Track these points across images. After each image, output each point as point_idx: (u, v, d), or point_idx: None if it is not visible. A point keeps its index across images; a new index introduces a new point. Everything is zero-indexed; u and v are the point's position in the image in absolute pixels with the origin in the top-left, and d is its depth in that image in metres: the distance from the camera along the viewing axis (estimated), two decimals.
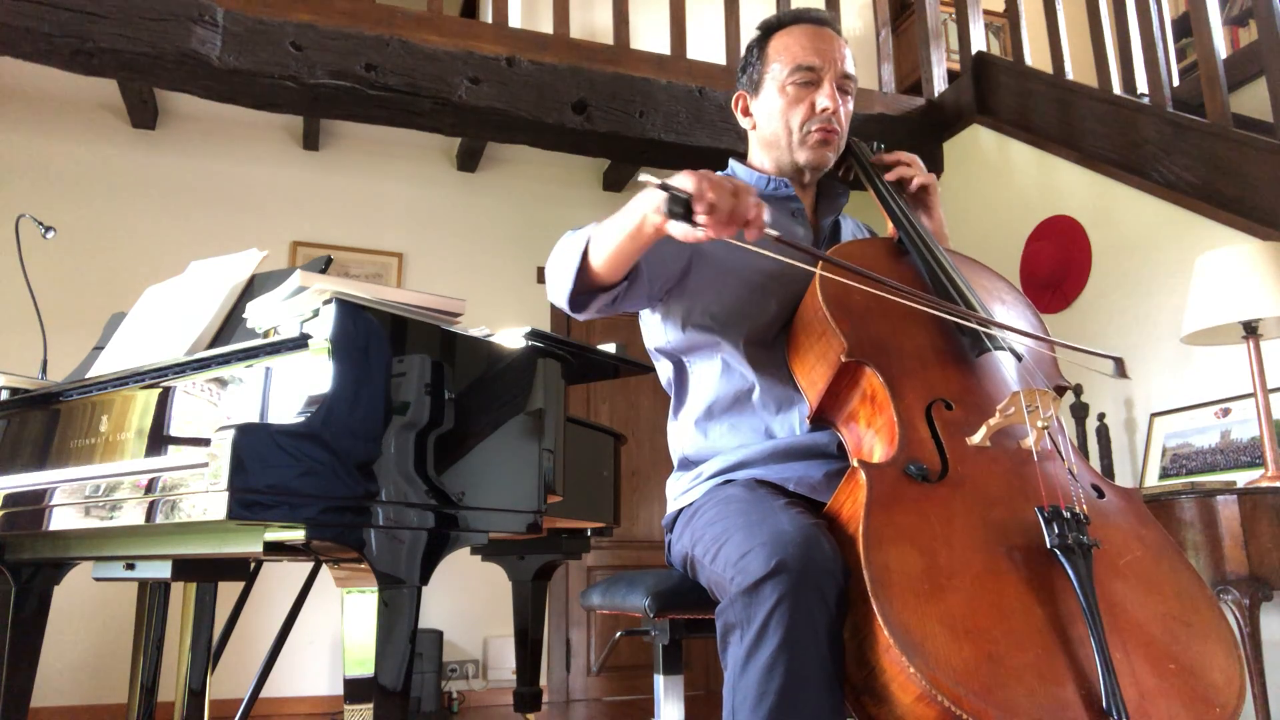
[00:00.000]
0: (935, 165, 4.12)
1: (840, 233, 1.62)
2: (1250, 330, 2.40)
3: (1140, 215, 3.18)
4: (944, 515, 1.10)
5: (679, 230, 1.12)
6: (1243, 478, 2.55)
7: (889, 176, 1.57)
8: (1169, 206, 3.06)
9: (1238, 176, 2.86)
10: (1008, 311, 1.47)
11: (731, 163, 1.63)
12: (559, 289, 1.36)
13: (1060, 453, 1.25)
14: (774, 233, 1.14)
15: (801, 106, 1.49)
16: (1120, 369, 1.25)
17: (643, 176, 1.15)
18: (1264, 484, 2.29)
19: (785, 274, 1.44)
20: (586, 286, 1.34)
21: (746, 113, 1.59)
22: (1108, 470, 3.05)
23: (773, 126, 1.52)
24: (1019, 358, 1.36)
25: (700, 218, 1.09)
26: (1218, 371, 2.85)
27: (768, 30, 1.56)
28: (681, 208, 1.09)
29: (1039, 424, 1.20)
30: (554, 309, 4.62)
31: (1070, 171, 3.49)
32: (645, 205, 1.18)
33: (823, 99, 1.48)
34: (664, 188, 1.11)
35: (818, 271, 1.35)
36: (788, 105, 1.50)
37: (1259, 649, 2.17)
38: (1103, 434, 3.07)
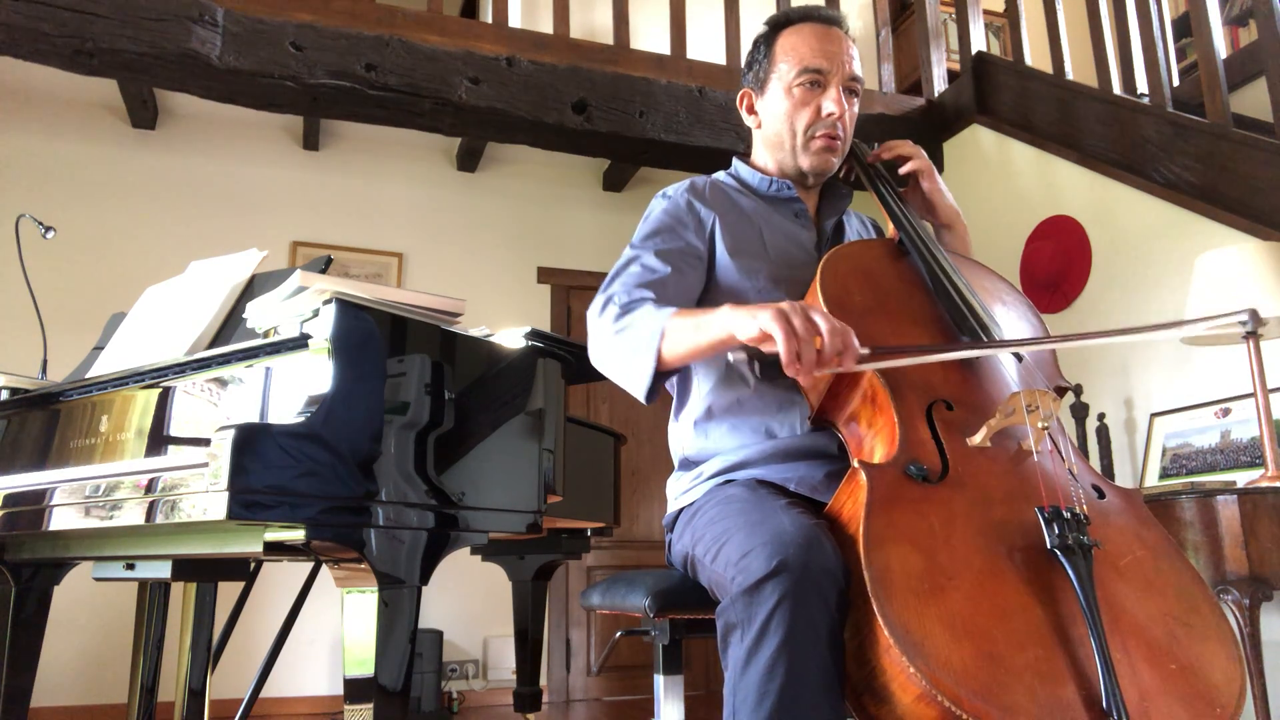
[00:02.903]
0: (935, 165, 4.11)
1: (844, 233, 1.62)
2: (1250, 330, 2.40)
3: (1140, 215, 3.17)
4: (944, 516, 1.10)
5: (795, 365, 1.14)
6: (1243, 478, 2.55)
7: (884, 154, 1.58)
8: (1169, 206, 3.06)
9: (1238, 176, 2.86)
10: (1008, 312, 1.47)
11: (735, 161, 1.63)
12: (635, 382, 1.32)
13: (1060, 453, 1.25)
14: (865, 351, 1.14)
15: (807, 110, 1.48)
16: (1255, 319, 1.20)
17: (764, 315, 1.12)
18: (1264, 484, 2.28)
19: (788, 280, 1.45)
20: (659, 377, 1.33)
21: (751, 111, 1.59)
22: (1108, 470, 3.04)
23: (777, 128, 1.52)
24: (1019, 358, 1.36)
25: (788, 369, 1.11)
26: (1218, 371, 2.85)
27: (775, 27, 1.54)
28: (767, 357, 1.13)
29: (1039, 424, 1.20)
30: (554, 309, 4.63)
31: (1070, 171, 3.49)
32: (740, 328, 1.16)
33: (829, 104, 1.47)
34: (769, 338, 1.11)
35: (818, 272, 1.35)
36: (793, 108, 1.49)
37: (1259, 649, 2.17)
38: (1103, 434, 3.07)
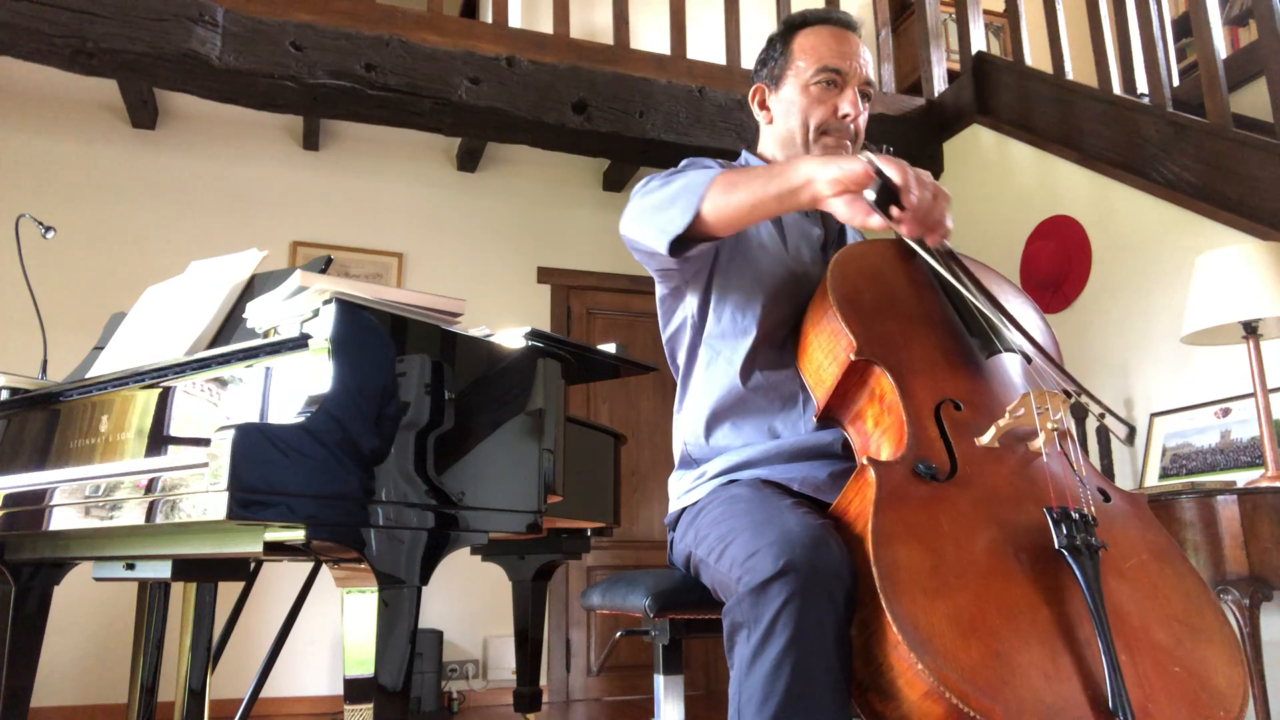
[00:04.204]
0: (935, 165, 4.12)
1: (845, 234, 1.62)
2: (1250, 330, 2.40)
3: (1140, 215, 3.17)
4: (952, 514, 1.10)
5: (860, 214, 1.12)
6: (1243, 478, 2.55)
7: None
8: (1169, 206, 3.06)
9: (1238, 176, 2.85)
10: (1014, 314, 1.47)
11: (745, 154, 1.62)
12: (666, 225, 1.26)
13: (1068, 455, 1.25)
14: (948, 245, 1.14)
15: (823, 108, 1.49)
16: (1130, 438, 1.24)
17: (862, 158, 1.11)
18: (1264, 484, 2.28)
19: (801, 278, 1.45)
20: (691, 233, 1.27)
21: (764, 106, 1.59)
22: (1108, 470, 3.05)
23: (790, 123, 1.52)
24: (1028, 359, 1.36)
25: (897, 210, 1.09)
26: (1218, 371, 2.85)
27: (792, 26, 1.55)
28: (885, 195, 1.08)
29: (1048, 425, 1.20)
30: (554, 309, 4.62)
31: (1070, 171, 3.49)
32: (825, 172, 1.14)
33: (845, 104, 1.48)
34: (877, 172, 1.09)
35: (828, 271, 1.35)
36: (810, 104, 1.49)
37: (1259, 649, 2.17)
38: (1103, 434, 3.07)
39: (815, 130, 1.49)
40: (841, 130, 1.49)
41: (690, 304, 1.48)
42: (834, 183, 1.13)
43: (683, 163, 1.50)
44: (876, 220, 1.12)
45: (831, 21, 1.53)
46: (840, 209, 1.15)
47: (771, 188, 1.19)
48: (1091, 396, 1.23)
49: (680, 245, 1.29)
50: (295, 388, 1.21)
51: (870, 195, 1.10)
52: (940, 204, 1.13)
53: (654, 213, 1.31)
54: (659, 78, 3.64)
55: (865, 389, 1.29)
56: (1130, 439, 1.21)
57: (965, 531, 1.09)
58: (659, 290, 1.54)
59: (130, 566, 1.40)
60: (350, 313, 1.22)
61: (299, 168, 4.40)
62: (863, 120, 1.51)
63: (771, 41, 1.58)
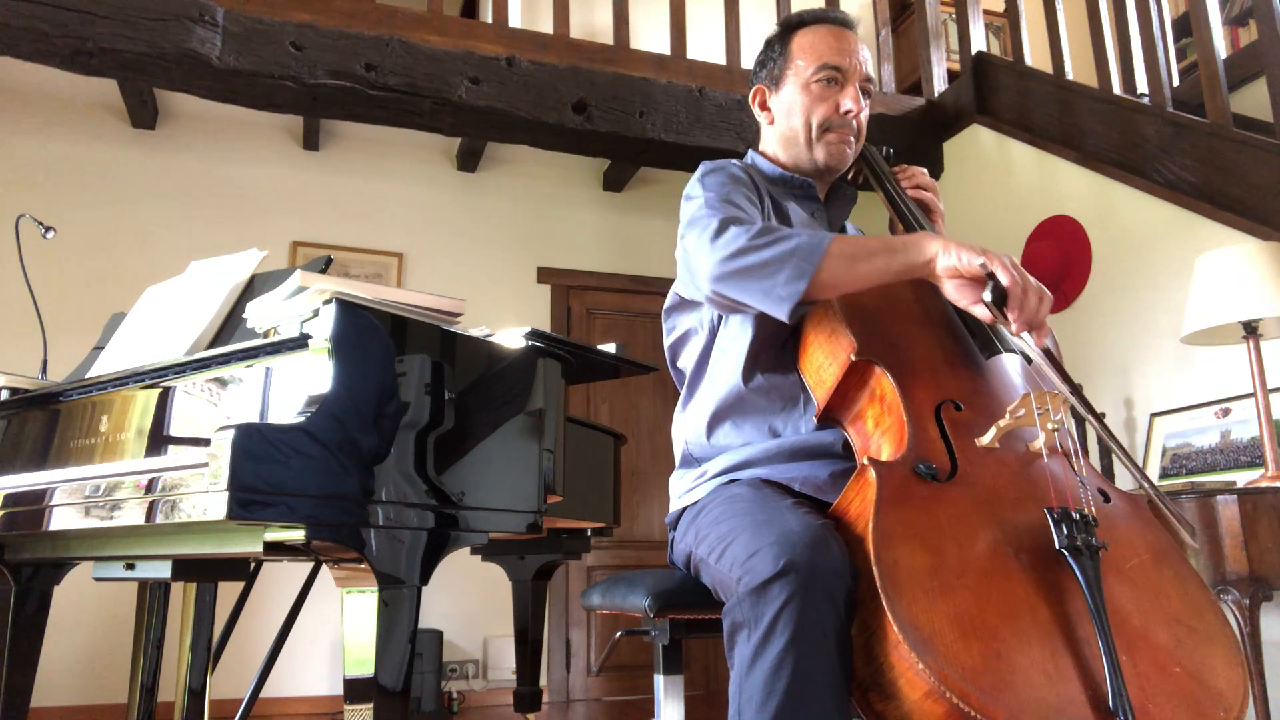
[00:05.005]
0: (935, 165, 4.12)
1: (846, 234, 1.62)
2: (1250, 330, 2.40)
3: (1140, 215, 3.17)
4: (953, 514, 1.10)
5: (967, 299, 1.21)
6: (1243, 478, 2.55)
7: (902, 179, 1.57)
8: (1169, 206, 3.06)
9: (1238, 176, 2.85)
10: None
11: (751, 154, 1.62)
12: (779, 290, 1.22)
13: (1069, 455, 1.25)
14: (1050, 344, 1.24)
15: (824, 105, 1.49)
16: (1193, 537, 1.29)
17: (979, 260, 1.19)
18: (1264, 484, 2.28)
19: None
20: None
21: (764, 107, 1.59)
22: (1107, 470, 3.04)
23: (792, 122, 1.52)
24: (1028, 360, 1.36)
25: (1011, 312, 1.17)
26: (1218, 371, 2.85)
27: (790, 27, 1.56)
28: (999, 297, 1.18)
29: (1049, 426, 1.20)
30: (554, 309, 4.62)
31: (1070, 171, 3.49)
32: (946, 260, 1.20)
33: (847, 100, 1.48)
34: (990, 276, 1.18)
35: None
36: (811, 102, 1.50)
37: (1259, 649, 2.17)
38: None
39: (818, 128, 1.50)
40: (844, 126, 1.49)
41: (707, 312, 1.48)
42: (950, 269, 1.20)
43: (705, 168, 1.47)
44: (983, 311, 1.20)
45: (829, 20, 1.54)
46: (951, 291, 1.22)
47: (896, 264, 1.23)
48: (1087, 405, 1.24)
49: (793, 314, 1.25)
50: (295, 388, 1.21)
51: (987, 296, 1.18)
52: (1045, 308, 1.20)
53: (759, 274, 1.24)
54: (659, 78, 3.64)
55: (865, 389, 1.29)
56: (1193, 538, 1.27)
57: (966, 532, 1.09)
58: (670, 299, 1.54)
59: (130, 566, 1.40)
60: (350, 313, 1.22)
61: (299, 168, 4.40)
62: (864, 117, 1.52)
63: (769, 43, 1.58)
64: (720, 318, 1.47)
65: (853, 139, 1.51)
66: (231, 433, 1.06)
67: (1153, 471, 2.97)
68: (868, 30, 4.52)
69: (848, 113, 1.48)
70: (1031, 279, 1.20)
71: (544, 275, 4.67)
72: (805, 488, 1.32)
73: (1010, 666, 0.97)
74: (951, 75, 4.23)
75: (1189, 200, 2.98)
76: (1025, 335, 1.20)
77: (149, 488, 1.15)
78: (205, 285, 1.66)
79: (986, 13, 4.43)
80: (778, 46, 1.56)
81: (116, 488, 1.20)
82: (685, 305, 1.52)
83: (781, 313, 1.23)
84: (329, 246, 4.28)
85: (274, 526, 1.13)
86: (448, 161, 4.66)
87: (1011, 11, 3.99)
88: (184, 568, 1.34)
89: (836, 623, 1.03)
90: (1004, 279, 1.17)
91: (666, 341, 1.57)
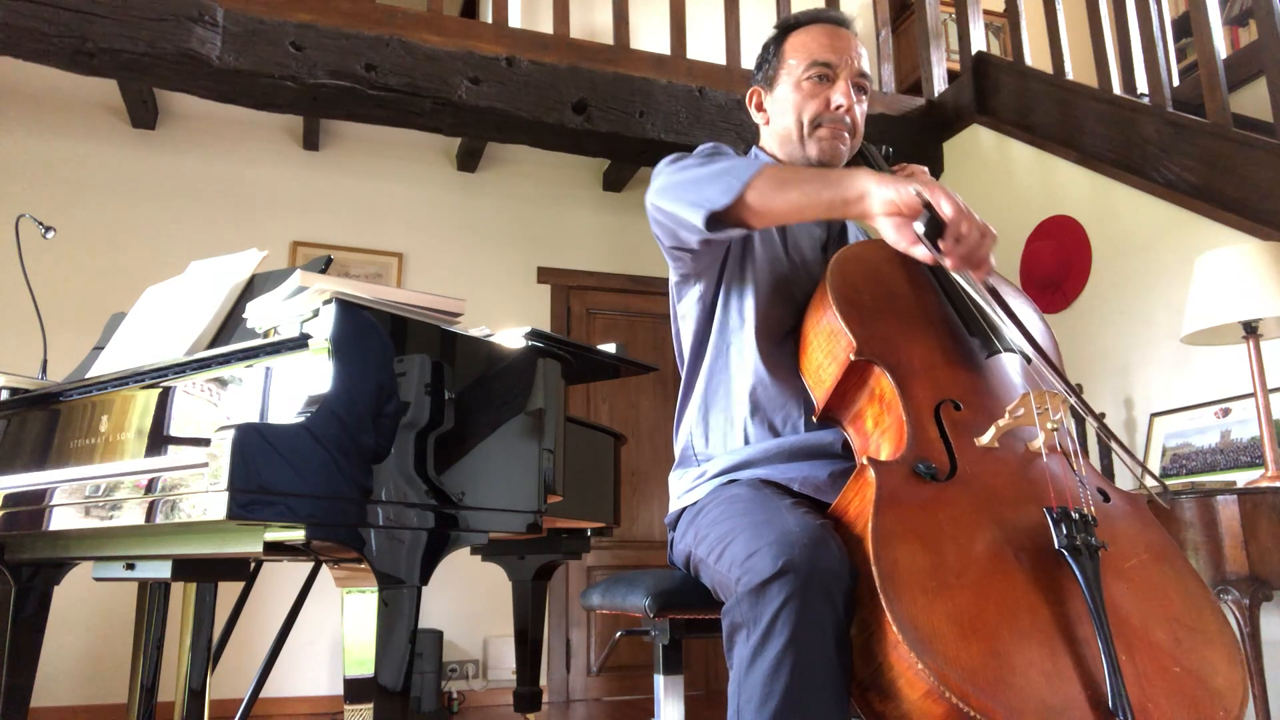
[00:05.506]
0: (935, 165, 4.12)
1: (846, 234, 1.62)
2: (1250, 330, 2.40)
3: (1140, 215, 3.17)
4: (952, 514, 1.10)
5: (906, 240, 1.15)
6: (1243, 478, 2.55)
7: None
8: (1169, 206, 3.06)
9: (1238, 176, 2.86)
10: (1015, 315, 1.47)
11: (755, 150, 1.62)
12: (706, 200, 1.25)
13: (1068, 455, 1.25)
14: (992, 281, 1.17)
15: (816, 101, 1.49)
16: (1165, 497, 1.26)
17: (914, 188, 1.13)
18: (1264, 484, 2.28)
19: (801, 277, 1.45)
20: (727, 216, 1.26)
21: (760, 108, 1.59)
22: (1107, 470, 3.04)
23: (786, 121, 1.52)
24: (1028, 360, 1.36)
25: (946, 244, 1.12)
26: (1218, 371, 2.85)
27: (785, 29, 1.56)
28: (934, 228, 1.12)
29: (1048, 426, 1.20)
30: (554, 309, 4.62)
31: (1070, 171, 3.49)
32: (881, 191, 1.16)
33: (838, 95, 1.48)
34: (928, 206, 1.12)
35: (827, 271, 1.35)
36: (803, 99, 1.50)
37: (1259, 649, 2.17)
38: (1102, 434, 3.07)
39: (809, 124, 1.49)
40: (836, 122, 1.48)
41: (696, 295, 1.48)
42: (887, 203, 1.16)
43: (705, 146, 1.48)
44: (922, 250, 1.15)
45: (823, 20, 1.54)
46: (888, 231, 1.17)
47: (825, 194, 1.21)
48: (1087, 408, 1.24)
49: (715, 224, 1.27)
50: (295, 388, 1.21)
51: (920, 227, 1.13)
52: (987, 243, 1.15)
53: (693, 186, 1.29)
54: (659, 78, 3.64)
55: (865, 389, 1.29)
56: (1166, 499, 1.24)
57: (965, 531, 1.09)
58: (672, 276, 1.54)
59: (130, 566, 1.40)
60: (350, 313, 1.22)
61: (299, 168, 4.39)
62: (859, 112, 1.51)
63: (766, 45, 1.59)
64: (709, 309, 1.47)
65: (846, 134, 1.50)
66: (231, 433, 1.06)
67: (1153, 471, 2.97)
68: (867, 30, 4.52)
69: (839, 107, 1.47)
70: (976, 215, 1.15)
71: (544, 275, 4.67)
72: (804, 488, 1.32)
73: (1010, 666, 0.97)
74: (951, 75, 4.23)
75: (1189, 200, 2.98)
76: (968, 275, 1.16)
77: (149, 488, 1.15)
78: (205, 285, 1.66)
79: (986, 13, 4.43)
80: (772, 48, 1.56)
81: (116, 488, 1.20)
82: (684, 281, 1.51)
83: (698, 218, 1.25)
84: (329, 246, 4.28)
85: (274, 526, 1.13)
86: (448, 161, 4.66)
87: (1011, 11, 3.99)
88: (184, 568, 1.34)
89: (835, 623, 1.03)
90: (946, 209, 1.12)
91: (673, 324, 1.58)
